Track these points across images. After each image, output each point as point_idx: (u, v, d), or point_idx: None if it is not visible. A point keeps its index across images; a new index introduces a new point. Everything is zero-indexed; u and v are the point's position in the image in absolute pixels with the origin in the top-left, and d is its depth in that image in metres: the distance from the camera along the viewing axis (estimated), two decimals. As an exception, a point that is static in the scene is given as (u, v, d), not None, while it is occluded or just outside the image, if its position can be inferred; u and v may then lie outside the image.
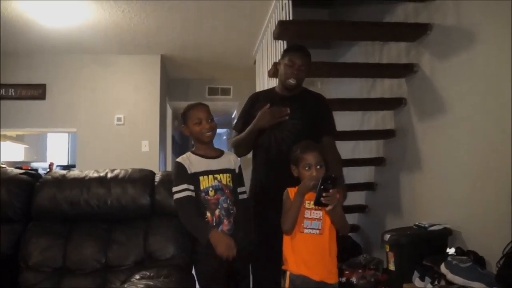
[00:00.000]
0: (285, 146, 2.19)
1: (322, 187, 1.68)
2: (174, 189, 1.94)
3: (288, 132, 2.25)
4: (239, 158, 2.21)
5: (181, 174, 1.95)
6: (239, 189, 2.09)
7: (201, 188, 1.94)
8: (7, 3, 3.61)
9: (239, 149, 2.43)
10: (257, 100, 2.43)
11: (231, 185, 2.01)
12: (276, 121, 2.22)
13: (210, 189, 1.95)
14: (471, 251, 2.15)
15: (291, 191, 1.83)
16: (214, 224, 1.92)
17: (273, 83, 3.68)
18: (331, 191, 1.68)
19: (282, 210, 1.84)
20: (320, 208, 1.77)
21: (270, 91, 2.52)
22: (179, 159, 2.00)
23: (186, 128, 2.05)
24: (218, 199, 1.95)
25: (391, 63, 3.31)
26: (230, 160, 2.10)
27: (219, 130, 6.94)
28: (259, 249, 2.14)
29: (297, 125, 2.25)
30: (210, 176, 1.97)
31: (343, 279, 2.86)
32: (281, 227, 1.82)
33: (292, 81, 2.26)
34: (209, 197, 1.94)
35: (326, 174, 1.74)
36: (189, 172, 1.94)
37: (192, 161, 1.98)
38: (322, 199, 1.69)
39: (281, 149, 2.23)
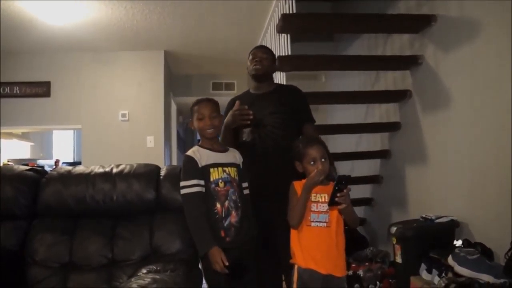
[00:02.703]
0: (270, 141, 2.21)
1: (336, 188, 1.68)
2: (183, 183, 1.91)
3: (272, 127, 2.24)
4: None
5: (191, 168, 1.93)
6: (243, 184, 2.09)
7: (211, 179, 1.93)
8: (9, 2, 3.60)
9: None
10: (234, 104, 2.40)
11: (238, 179, 2.02)
12: (238, 123, 2.22)
13: (220, 180, 1.94)
14: (478, 243, 2.13)
15: (297, 185, 1.82)
16: (224, 215, 1.91)
17: (277, 76, 3.67)
18: (344, 190, 1.68)
19: (289, 204, 1.83)
20: (333, 207, 1.76)
21: (246, 93, 2.52)
22: (189, 153, 1.98)
23: (192, 123, 2.05)
24: (228, 190, 1.94)
25: (396, 55, 3.28)
26: (235, 156, 2.10)
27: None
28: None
29: (279, 119, 2.25)
30: (220, 168, 1.96)
31: (350, 272, 2.86)
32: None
33: (257, 67, 2.34)
34: (219, 189, 1.93)
35: (340, 175, 1.73)
36: (199, 165, 1.93)
37: (202, 154, 1.96)
38: (336, 199, 1.69)
39: (266, 145, 2.22)
